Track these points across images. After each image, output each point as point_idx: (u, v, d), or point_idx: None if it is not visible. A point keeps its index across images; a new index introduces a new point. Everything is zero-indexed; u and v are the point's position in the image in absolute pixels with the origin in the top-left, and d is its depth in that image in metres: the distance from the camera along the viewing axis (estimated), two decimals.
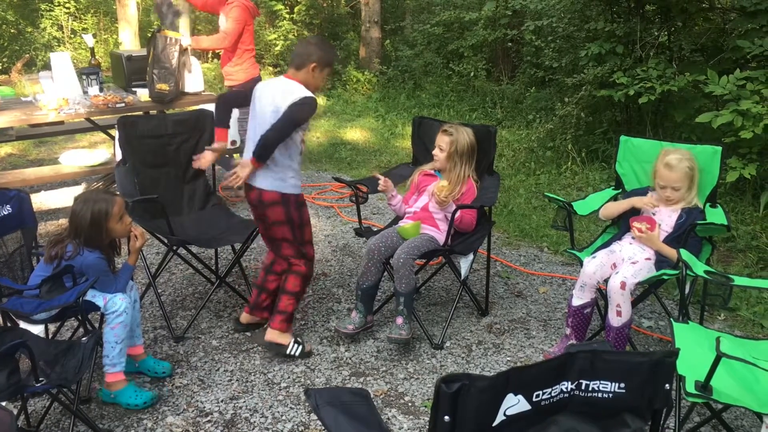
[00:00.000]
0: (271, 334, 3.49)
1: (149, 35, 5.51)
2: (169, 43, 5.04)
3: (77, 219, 2.94)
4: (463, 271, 3.67)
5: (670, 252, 3.22)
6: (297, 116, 3.22)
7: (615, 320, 3.18)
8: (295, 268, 3.49)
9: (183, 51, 5.15)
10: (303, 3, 12.40)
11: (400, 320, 3.48)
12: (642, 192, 3.56)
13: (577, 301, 3.36)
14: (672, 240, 3.28)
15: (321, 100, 10.38)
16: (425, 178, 3.85)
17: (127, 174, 3.94)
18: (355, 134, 8.48)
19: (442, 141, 3.73)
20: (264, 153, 3.23)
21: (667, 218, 3.37)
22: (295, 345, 3.49)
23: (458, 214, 3.60)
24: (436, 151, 3.77)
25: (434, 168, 3.83)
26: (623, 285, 3.12)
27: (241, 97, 3.76)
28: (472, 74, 9.81)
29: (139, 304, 3.27)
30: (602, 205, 3.67)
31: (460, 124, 3.82)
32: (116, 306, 2.99)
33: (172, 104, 5.26)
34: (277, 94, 3.27)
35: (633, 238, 3.41)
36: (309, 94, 3.24)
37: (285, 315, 3.48)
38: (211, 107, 4.61)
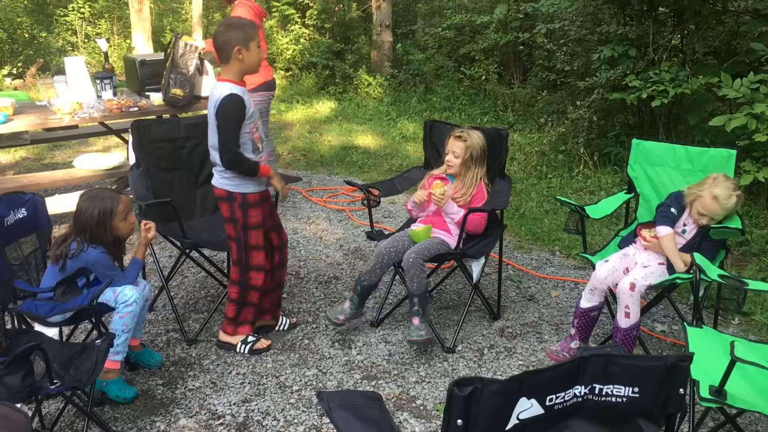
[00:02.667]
0: (221, 335, 3.64)
1: (162, 39, 5.54)
2: (188, 49, 5.08)
3: (82, 216, 2.99)
4: (475, 275, 3.66)
5: (683, 257, 3.20)
6: (225, 122, 3.18)
7: (623, 321, 3.17)
8: (231, 275, 3.56)
9: (199, 56, 5.19)
10: (315, 7, 12.43)
11: (416, 321, 3.48)
12: (678, 196, 3.44)
13: (585, 303, 3.34)
14: (689, 247, 3.26)
15: (332, 104, 10.40)
16: (436, 180, 3.84)
17: (141, 177, 3.96)
18: (366, 138, 8.49)
19: (456, 147, 3.70)
20: (239, 168, 3.25)
21: (691, 227, 3.34)
22: (242, 345, 3.58)
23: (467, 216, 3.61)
24: (449, 157, 3.73)
25: (446, 173, 3.82)
26: (632, 286, 3.11)
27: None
28: (483, 77, 9.80)
29: (151, 307, 3.28)
30: (617, 209, 3.67)
31: (470, 128, 3.80)
32: (126, 297, 3.03)
33: (185, 109, 5.29)
34: (210, 100, 3.26)
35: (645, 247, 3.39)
36: (228, 92, 3.14)
37: (227, 319, 3.59)
38: None
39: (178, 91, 5.11)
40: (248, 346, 3.58)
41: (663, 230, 3.33)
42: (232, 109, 3.16)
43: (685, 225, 3.38)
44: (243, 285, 3.50)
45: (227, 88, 3.18)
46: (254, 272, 3.50)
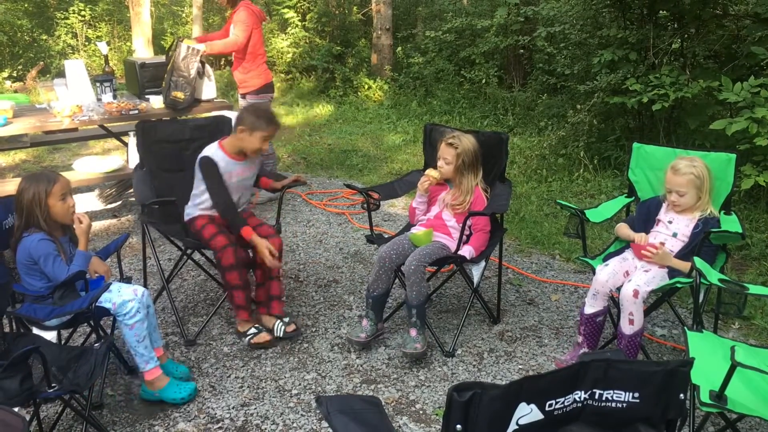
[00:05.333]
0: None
1: (162, 42, 5.56)
2: (190, 53, 5.09)
3: (21, 197, 2.92)
4: (476, 279, 3.64)
5: (684, 266, 3.19)
6: (202, 173, 3.69)
7: (627, 328, 3.16)
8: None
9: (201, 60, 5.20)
10: (315, 10, 12.44)
11: (414, 332, 3.47)
12: (654, 201, 3.54)
13: (589, 309, 3.34)
14: (689, 251, 3.25)
15: (332, 107, 10.43)
16: (435, 187, 3.83)
17: (145, 178, 3.97)
18: (366, 141, 8.49)
19: (447, 153, 3.68)
20: (230, 220, 3.67)
21: (684, 228, 3.35)
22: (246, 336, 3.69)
23: (470, 223, 3.59)
24: (440, 163, 3.71)
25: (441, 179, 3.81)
26: (636, 293, 3.10)
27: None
28: (483, 81, 9.80)
29: (153, 309, 3.28)
30: (616, 213, 3.66)
31: (462, 133, 3.79)
32: (126, 309, 3.00)
33: (185, 112, 5.30)
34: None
35: (640, 260, 3.38)
36: (206, 154, 3.66)
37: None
38: (228, 113, 4.65)
39: (178, 94, 5.11)
40: (248, 339, 3.66)
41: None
42: (201, 169, 3.68)
43: (670, 222, 3.39)
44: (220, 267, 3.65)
45: (209, 150, 3.70)
46: (220, 252, 3.61)
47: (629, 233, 3.50)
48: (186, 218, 3.77)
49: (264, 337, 3.63)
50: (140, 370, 3.09)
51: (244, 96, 5.81)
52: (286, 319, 3.73)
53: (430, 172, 3.70)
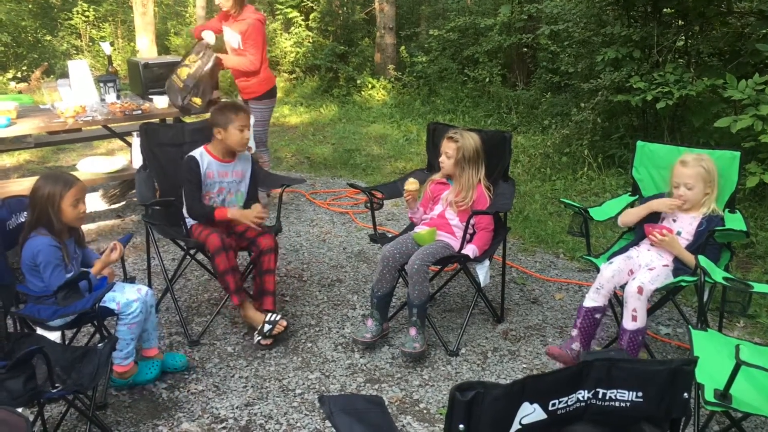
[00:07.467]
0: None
1: (166, 42, 5.56)
2: (217, 63, 5.13)
3: (35, 194, 2.93)
4: (482, 279, 3.62)
5: (690, 258, 3.17)
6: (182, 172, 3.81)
7: (630, 324, 3.13)
8: None
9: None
10: (318, 10, 12.44)
11: (413, 331, 3.47)
12: (659, 197, 3.52)
13: (589, 303, 3.28)
14: (693, 249, 3.23)
15: (336, 107, 10.42)
16: (437, 186, 3.84)
17: (148, 179, 3.97)
18: (369, 140, 8.49)
19: (449, 148, 3.72)
20: (201, 216, 3.77)
21: (687, 226, 3.33)
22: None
23: (473, 222, 3.59)
24: (442, 158, 3.75)
25: (442, 175, 3.82)
26: (640, 290, 3.08)
27: None
28: (487, 80, 9.78)
29: (156, 309, 3.29)
30: (620, 212, 3.64)
31: (466, 130, 3.80)
32: (131, 309, 3.05)
33: (194, 114, 5.33)
34: None
35: (651, 245, 3.36)
36: (191, 153, 3.80)
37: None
38: None
39: (197, 101, 5.13)
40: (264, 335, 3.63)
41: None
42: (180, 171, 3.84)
43: (674, 221, 3.37)
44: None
45: (192, 153, 3.83)
46: (211, 247, 3.61)
47: (638, 210, 3.50)
48: (188, 226, 3.80)
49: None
50: (116, 362, 3.12)
51: (246, 101, 5.79)
52: (276, 317, 3.62)
53: (408, 186, 3.73)
